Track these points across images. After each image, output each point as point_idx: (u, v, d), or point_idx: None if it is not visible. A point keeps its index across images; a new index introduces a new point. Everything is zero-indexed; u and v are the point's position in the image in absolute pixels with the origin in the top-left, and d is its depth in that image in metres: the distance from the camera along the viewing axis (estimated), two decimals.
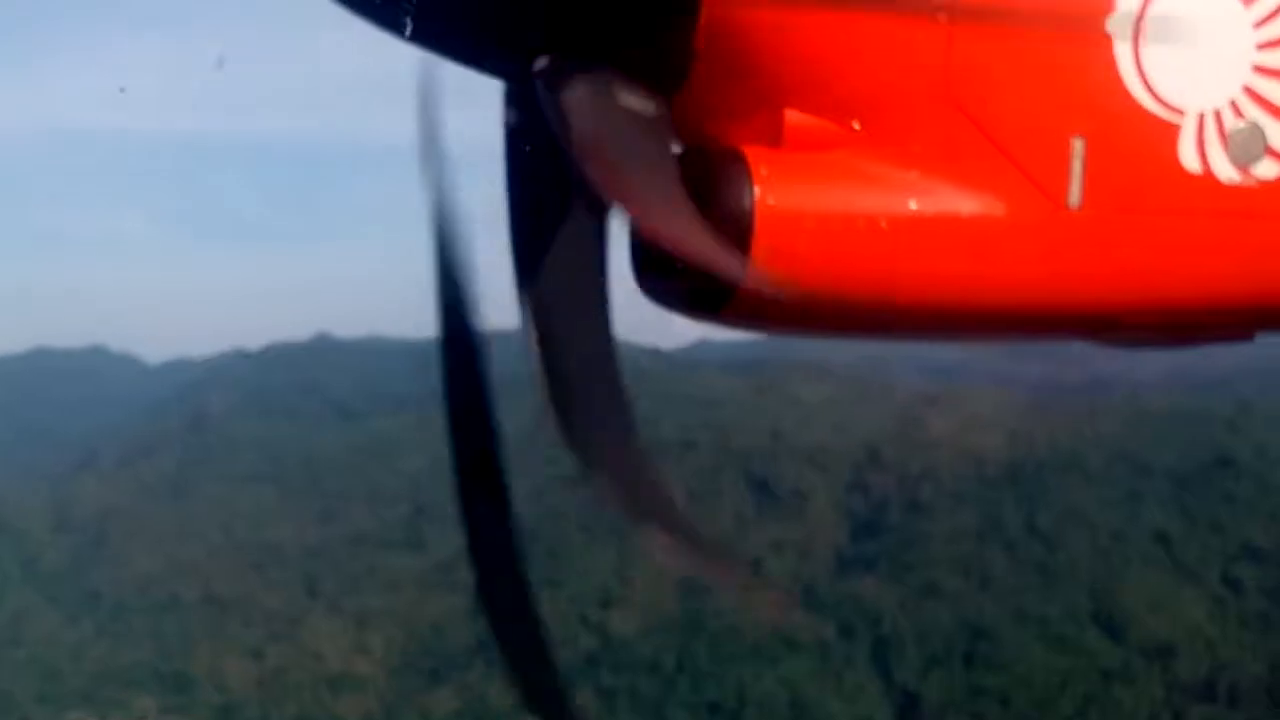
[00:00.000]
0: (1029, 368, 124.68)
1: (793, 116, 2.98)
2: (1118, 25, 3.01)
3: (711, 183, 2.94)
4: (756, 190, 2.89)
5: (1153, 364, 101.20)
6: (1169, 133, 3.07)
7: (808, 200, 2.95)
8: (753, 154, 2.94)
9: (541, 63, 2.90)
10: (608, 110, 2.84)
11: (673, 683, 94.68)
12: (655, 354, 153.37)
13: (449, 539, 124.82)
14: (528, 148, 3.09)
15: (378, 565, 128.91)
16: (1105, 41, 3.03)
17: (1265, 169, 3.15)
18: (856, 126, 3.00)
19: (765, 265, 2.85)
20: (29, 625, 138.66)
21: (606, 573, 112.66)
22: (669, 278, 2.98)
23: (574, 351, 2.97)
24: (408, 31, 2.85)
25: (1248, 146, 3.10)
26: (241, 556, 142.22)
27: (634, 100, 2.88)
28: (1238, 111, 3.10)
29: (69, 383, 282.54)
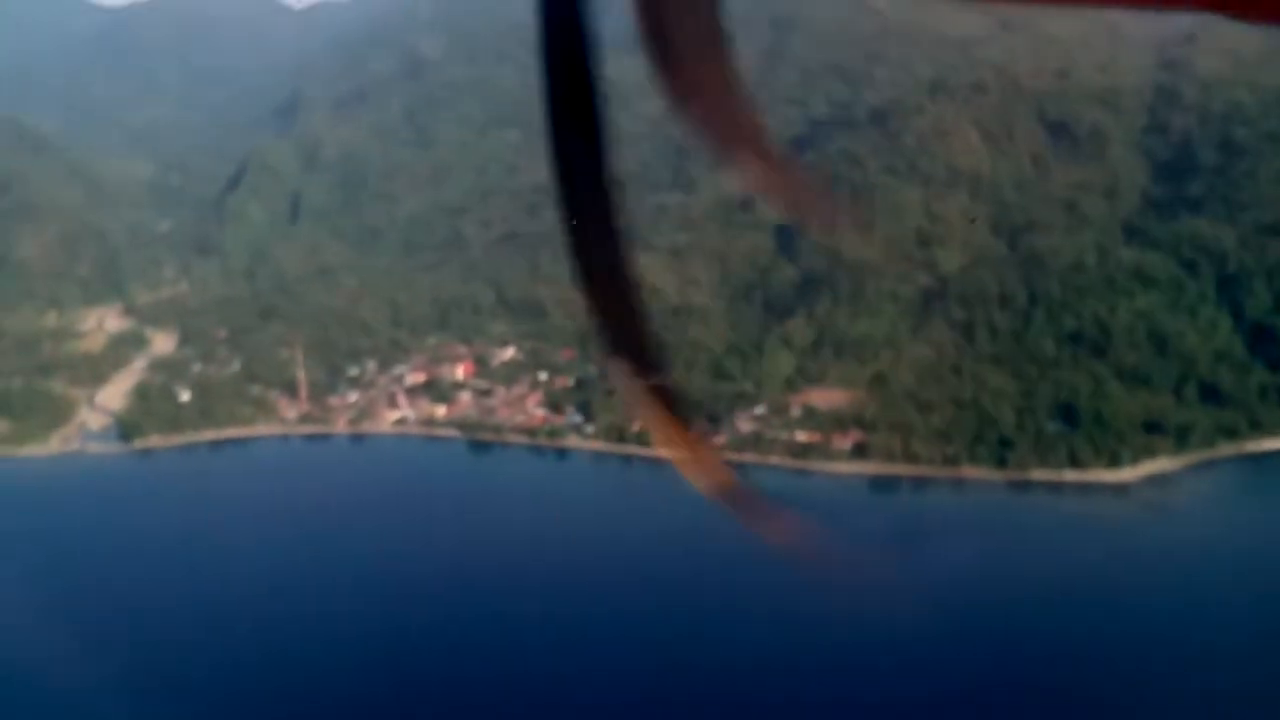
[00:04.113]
0: None
1: None
2: None
3: None
4: None
5: None
6: None
7: None
8: None
9: None
10: None
11: (1028, 316, 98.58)
12: None
13: (715, 178, 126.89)
14: None
15: (660, 204, 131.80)
16: None
17: None
18: None
19: None
20: (324, 259, 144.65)
21: (917, 213, 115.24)
22: None
23: None
24: None
25: None
26: (511, 198, 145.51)
27: None
28: None
29: (222, 28, 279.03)
